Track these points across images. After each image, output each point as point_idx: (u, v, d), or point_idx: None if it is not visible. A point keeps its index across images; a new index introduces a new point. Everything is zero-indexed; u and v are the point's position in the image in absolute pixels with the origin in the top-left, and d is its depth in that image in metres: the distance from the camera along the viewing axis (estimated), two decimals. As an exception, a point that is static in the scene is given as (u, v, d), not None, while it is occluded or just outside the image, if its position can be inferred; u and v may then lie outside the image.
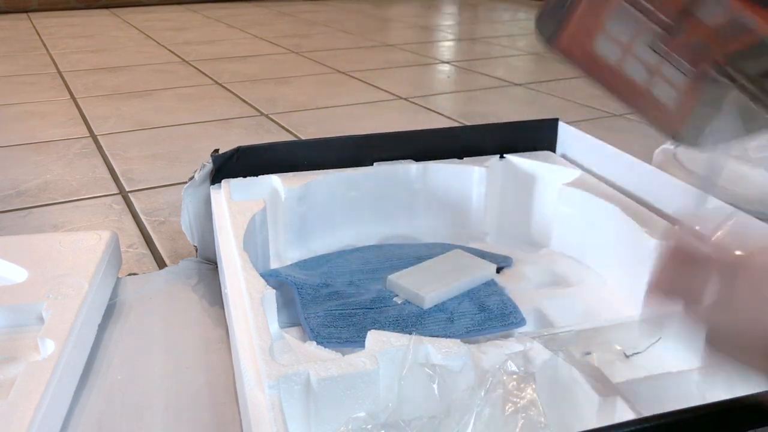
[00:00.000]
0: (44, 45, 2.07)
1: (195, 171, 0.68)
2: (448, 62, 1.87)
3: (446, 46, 2.18)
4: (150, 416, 0.51)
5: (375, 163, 0.73)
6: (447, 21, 2.71)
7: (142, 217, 0.87)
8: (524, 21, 2.63)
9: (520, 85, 1.58)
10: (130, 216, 0.87)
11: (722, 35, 0.39)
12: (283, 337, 0.52)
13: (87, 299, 0.58)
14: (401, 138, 0.75)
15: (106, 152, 1.11)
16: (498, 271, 0.66)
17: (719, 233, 0.30)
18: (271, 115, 1.32)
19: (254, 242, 0.64)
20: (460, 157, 0.75)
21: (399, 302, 0.61)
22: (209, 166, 0.69)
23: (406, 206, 0.75)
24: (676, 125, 0.45)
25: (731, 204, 0.58)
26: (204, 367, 0.57)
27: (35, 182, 0.98)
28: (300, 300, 0.60)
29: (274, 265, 0.69)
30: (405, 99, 1.44)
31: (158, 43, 2.10)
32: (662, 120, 0.45)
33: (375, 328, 0.48)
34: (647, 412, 0.38)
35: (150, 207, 0.90)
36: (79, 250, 0.65)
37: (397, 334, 0.47)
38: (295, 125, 1.25)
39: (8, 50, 2.00)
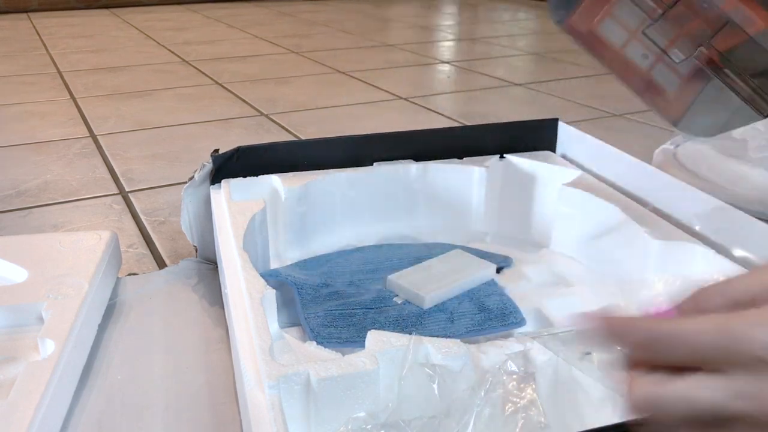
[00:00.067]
0: (44, 45, 2.07)
1: (195, 171, 0.68)
2: (448, 62, 1.87)
3: (446, 46, 2.18)
4: (150, 416, 0.51)
5: (375, 163, 0.73)
6: (447, 21, 2.71)
7: (142, 217, 0.87)
8: (524, 21, 2.63)
9: (520, 85, 1.58)
10: (130, 216, 0.87)
11: (718, 30, 0.39)
12: (283, 337, 0.52)
13: (87, 299, 0.58)
14: (401, 138, 0.75)
15: (106, 152, 1.11)
16: (498, 271, 0.66)
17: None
18: (271, 115, 1.32)
19: (254, 242, 0.64)
20: (460, 157, 0.75)
21: (399, 302, 0.61)
22: (209, 166, 0.69)
23: (406, 206, 0.75)
24: (675, 113, 0.45)
25: (731, 204, 0.58)
26: (204, 367, 0.57)
27: (35, 182, 0.98)
28: (300, 300, 0.60)
29: (274, 265, 0.69)
30: (405, 99, 1.44)
31: (158, 43, 2.10)
32: (663, 106, 0.46)
33: (375, 328, 0.48)
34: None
35: (150, 207, 0.90)
36: (79, 250, 0.65)
37: (397, 334, 0.47)
38: (295, 125, 1.25)
39: (8, 50, 2.00)
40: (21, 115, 1.33)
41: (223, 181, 0.69)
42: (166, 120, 1.29)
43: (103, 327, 0.61)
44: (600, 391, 0.41)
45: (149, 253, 0.78)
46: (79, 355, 0.55)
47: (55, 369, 0.49)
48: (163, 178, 1.00)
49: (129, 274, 0.72)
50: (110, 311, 0.64)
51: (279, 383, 0.42)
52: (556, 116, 0.79)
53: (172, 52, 1.95)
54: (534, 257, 0.71)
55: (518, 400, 0.41)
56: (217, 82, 1.59)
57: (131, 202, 0.92)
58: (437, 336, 0.47)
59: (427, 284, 0.61)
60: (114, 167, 1.04)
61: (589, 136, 0.74)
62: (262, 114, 1.33)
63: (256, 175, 0.70)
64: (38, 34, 2.28)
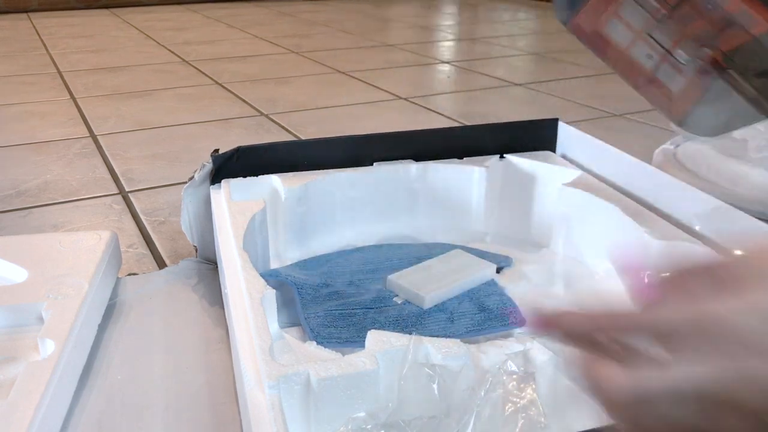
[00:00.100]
0: (44, 45, 2.07)
1: (195, 171, 0.68)
2: (448, 62, 1.87)
3: (446, 46, 2.18)
4: (150, 416, 0.51)
5: (375, 163, 0.73)
6: (447, 21, 2.71)
7: (142, 217, 0.87)
8: (524, 21, 2.63)
9: (520, 85, 1.58)
10: (130, 216, 0.87)
11: (722, 31, 0.39)
12: (283, 337, 0.52)
13: (87, 299, 0.58)
14: (401, 138, 0.75)
15: (106, 152, 1.11)
16: (498, 271, 0.66)
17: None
18: (271, 115, 1.32)
19: (254, 242, 0.64)
20: (460, 157, 0.75)
21: (399, 302, 0.61)
22: (209, 166, 0.69)
23: (406, 206, 0.75)
24: (679, 113, 0.45)
25: (731, 204, 0.58)
26: (204, 367, 0.57)
27: (35, 182, 0.98)
28: (300, 300, 0.60)
29: (274, 265, 0.69)
30: (405, 99, 1.44)
31: (158, 43, 2.10)
32: (667, 106, 0.46)
33: (375, 328, 0.48)
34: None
35: (150, 207, 0.90)
36: (79, 250, 0.65)
37: (397, 334, 0.47)
38: (295, 125, 1.25)
39: (8, 50, 2.00)
40: (21, 115, 1.33)
41: (223, 181, 0.69)
42: (166, 120, 1.29)
43: (103, 327, 0.61)
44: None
45: (149, 253, 0.78)
46: (79, 355, 0.55)
47: (55, 369, 0.49)
48: (163, 178, 1.00)
49: (129, 274, 0.72)
50: (110, 311, 0.64)
51: (279, 383, 0.42)
52: (556, 116, 0.79)
53: (172, 52, 1.95)
54: (534, 257, 0.71)
55: (518, 400, 0.41)
56: (217, 82, 1.59)
57: (131, 202, 0.92)
58: (437, 336, 0.47)
59: (427, 284, 0.61)
60: (114, 167, 1.04)
61: (589, 136, 0.74)
62: (262, 114, 1.33)
63: (256, 175, 0.70)
64: (38, 34, 2.28)
